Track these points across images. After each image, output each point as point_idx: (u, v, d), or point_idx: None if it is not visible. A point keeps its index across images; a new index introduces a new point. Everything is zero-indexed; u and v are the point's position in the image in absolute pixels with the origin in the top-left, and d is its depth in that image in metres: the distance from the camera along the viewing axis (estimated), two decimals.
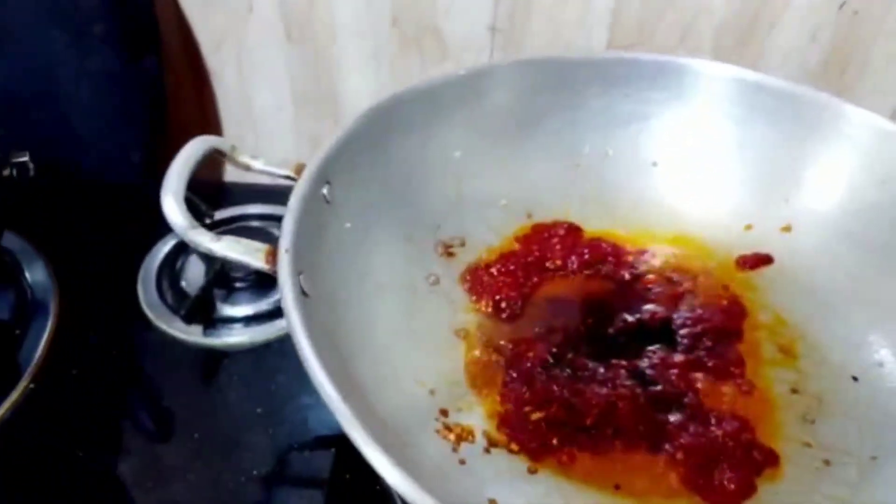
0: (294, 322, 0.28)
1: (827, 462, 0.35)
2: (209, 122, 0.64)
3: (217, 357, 0.45)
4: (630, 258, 0.44)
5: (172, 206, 0.32)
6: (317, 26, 0.57)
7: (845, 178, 0.42)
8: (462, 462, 0.33)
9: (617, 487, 0.34)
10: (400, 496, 0.24)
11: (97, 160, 0.55)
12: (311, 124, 0.63)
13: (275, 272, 0.31)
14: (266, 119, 0.63)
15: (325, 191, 0.37)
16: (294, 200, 0.34)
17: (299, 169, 0.36)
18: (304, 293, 0.31)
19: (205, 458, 0.39)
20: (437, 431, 0.34)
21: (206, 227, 0.41)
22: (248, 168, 0.37)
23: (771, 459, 0.35)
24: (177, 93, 0.61)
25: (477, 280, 0.43)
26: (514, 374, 0.38)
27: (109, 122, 0.54)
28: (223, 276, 0.48)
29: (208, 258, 0.48)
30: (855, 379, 0.38)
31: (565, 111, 0.47)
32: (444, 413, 0.35)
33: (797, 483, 0.34)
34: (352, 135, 0.39)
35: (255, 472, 0.38)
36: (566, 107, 0.47)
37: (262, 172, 0.37)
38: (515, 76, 0.46)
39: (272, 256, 0.32)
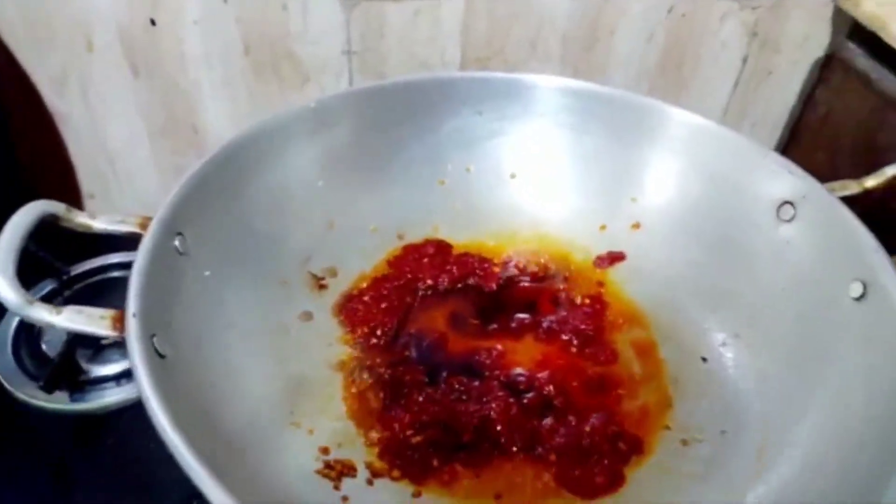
0: (147, 392, 0.27)
1: (684, 442, 0.38)
2: (63, 166, 0.60)
3: (90, 422, 0.43)
4: (497, 269, 0.46)
5: (2, 284, 0.30)
6: (164, 59, 0.55)
7: (678, 176, 0.45)
8: (345, 499, 0.34)
9: (498, 497, 0.35)
10: None
11: None
12: (172, 158, 0.60)
13: (125, 339, 0.30)
14: (123, 157, 0.60)
15: (176, 243, 0.36)
16: (140, 259, 0.33)
17: (145, 223, 0.35)
18: (160, 355, 0.30)
19: None
20: (318, 472, 0.34)
21: (60, 286, 0.39)
22: (88, 229, 0.35)
23: (637, 447, 0.37)
24: (21, 138, 0.57)
25: (350, 310, 0.43)
26: (392, 400, 0.38)
27: None
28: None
29: None
30: (704, 360, 0.41)
31: (423, 131, 0.48)
32: (325, 451, 0.36)
33: (660, 467, 0.37)
34: (198, 182, 0.38)
35: None
36: (423, 127, 0.48)
37: (104, 232, 0.35)
38: (367, 103, 0.46)
39: (120, 323, 0.31)
